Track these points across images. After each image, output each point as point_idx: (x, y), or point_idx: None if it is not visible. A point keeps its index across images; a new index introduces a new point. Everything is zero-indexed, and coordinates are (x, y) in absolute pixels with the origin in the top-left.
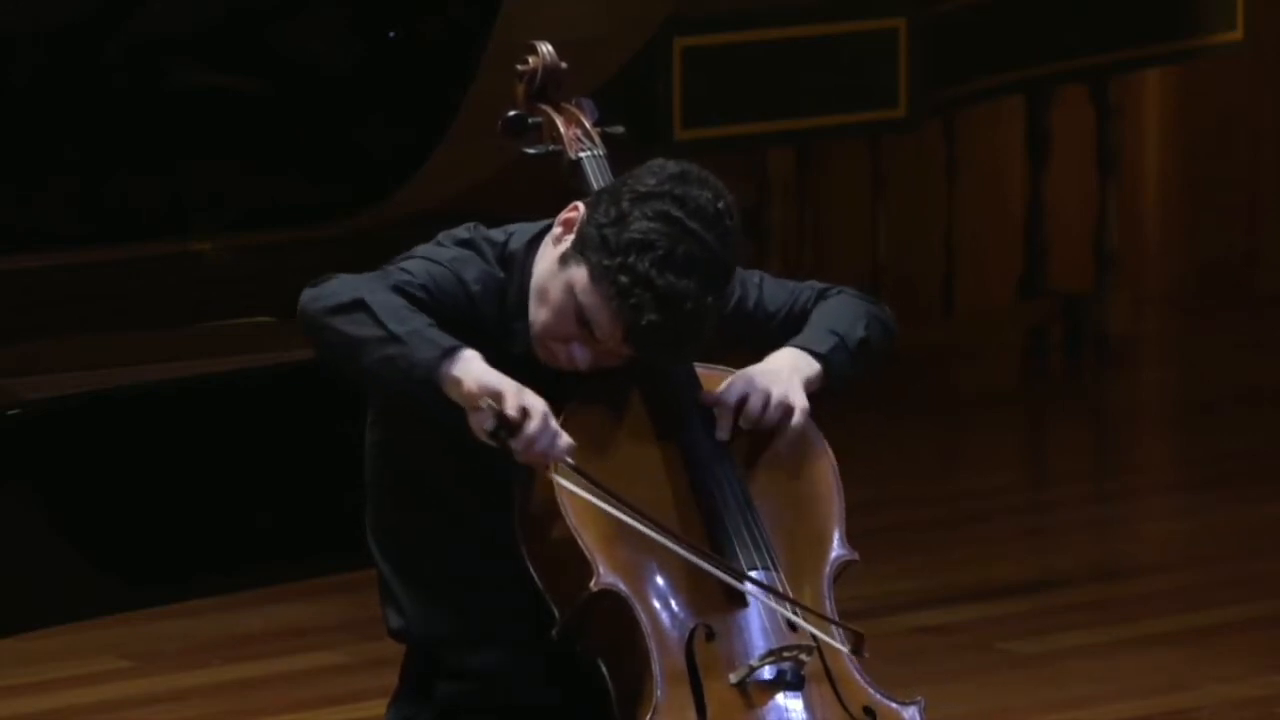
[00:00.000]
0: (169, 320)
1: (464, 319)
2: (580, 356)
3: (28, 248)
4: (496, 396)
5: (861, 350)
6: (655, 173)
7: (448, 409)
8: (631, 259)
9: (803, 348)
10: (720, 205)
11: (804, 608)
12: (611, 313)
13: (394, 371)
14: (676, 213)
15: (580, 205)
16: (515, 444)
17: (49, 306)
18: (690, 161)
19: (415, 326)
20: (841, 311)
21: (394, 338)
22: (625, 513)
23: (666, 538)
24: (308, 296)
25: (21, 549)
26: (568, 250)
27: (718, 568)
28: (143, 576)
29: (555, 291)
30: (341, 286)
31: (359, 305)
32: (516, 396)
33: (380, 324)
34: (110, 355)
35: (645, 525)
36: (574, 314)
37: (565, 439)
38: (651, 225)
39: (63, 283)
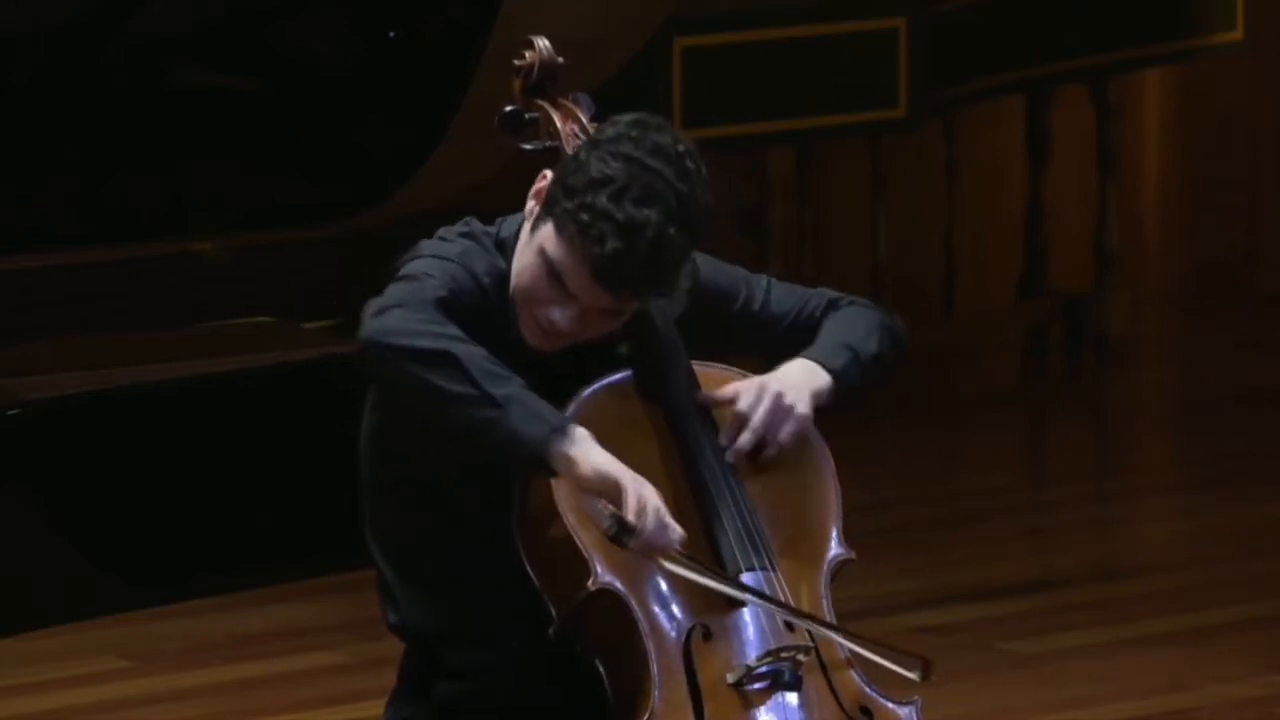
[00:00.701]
0: (169, 320)
1: (478, 312)
2: (560, 318)
3: (28, 248)
4: (614, 492)
5: (874, 364)
6: (613, 124)
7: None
8: (590, 197)
9: (816, 361)
10: (680, 148)
11: (860, 638)
12: (576, 252)
13: (491, 436)
14: (634, 152)
15: (548, 173)
16: (632, 542)
17: (49, 306)
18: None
19: (512, 392)
20: (855, 324)
21: (491, 400)
22: (726, 584)
23: (771, 604)
24: (377, 330)
25: (21, 549)
26: (537, 216)
27: (833, 630)
28: (143, 576)
29: (528, 256)
30: (411, 323)
31: (447, 358)
32: (634, 494)
33: (475, 383)
34: (110, 355)
35: (744, 594)
36: (547, 271)
37: (676, 531)
38: (609, 164)
39: (63, 283)
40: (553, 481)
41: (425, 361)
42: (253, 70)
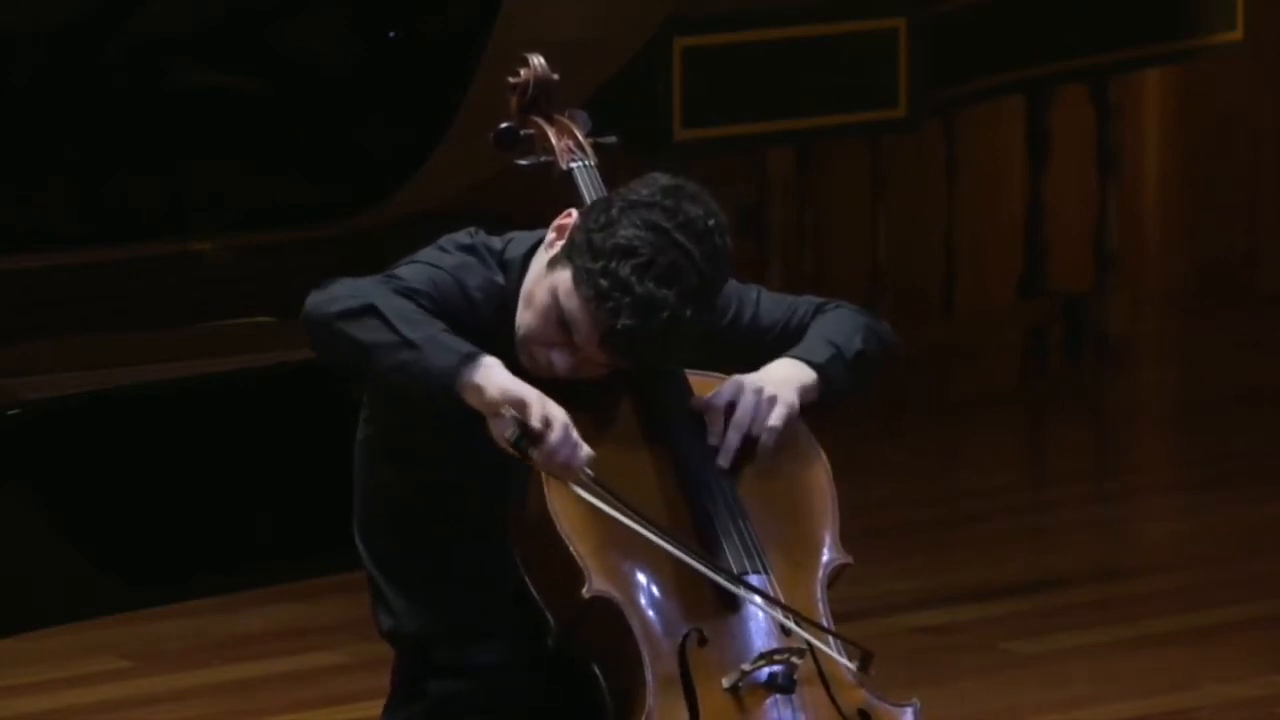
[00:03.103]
0: (169, 320)
1: (465, 325)
2: (560, 362)
3: (28, 248)
4: (520, 405)
5: (858, 362)
6: (649, 184)
7: (463, 414)
8: (614, 264)
9: (799, 358)
10: (711, 223)
11: (804, 618)
12: (589, 315)
13: (409, 377)
14: (665, 223)
15: (574, 212)
16: (537, 454)
17: (49, 306)
18: (687, 177)
19: (430, 332)
20: (839, 324)
21: (408, 343)
22: (638, 522)
23: (681, 549)
24: (314, 301)
25: (21, 549)
26: (556, 255)
27: (735, 584)
28: (143, 576)
29: (540, 295)
30: (348, 290)
31: (370, 310)
32: (540, 405)
33: (393, 329)
34: (110, 355)
35: (658, 536)
36: (555, 317)
37: (585, 450)
38: (638, 233)
39: (63, 283)
40: (546, 490)
41: (348, 317)
42: (253, 70)
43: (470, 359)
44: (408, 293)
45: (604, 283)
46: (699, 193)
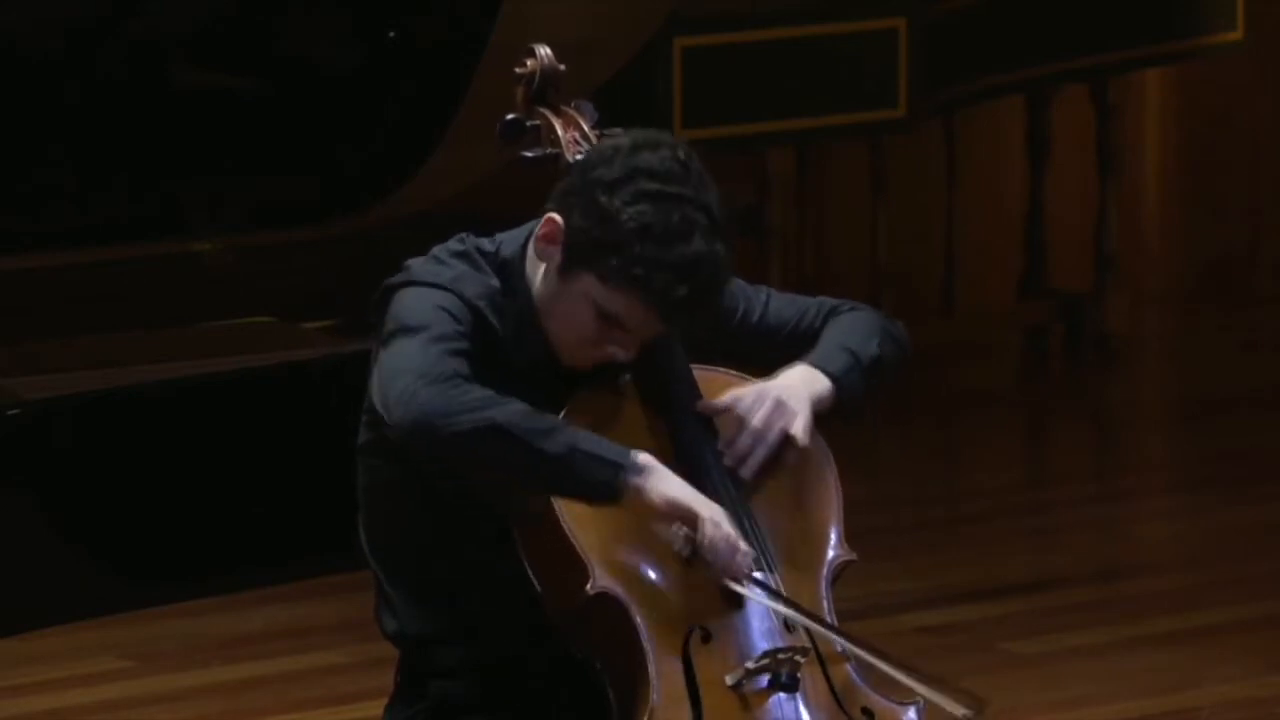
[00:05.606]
0: (169, 320)
1: (475, 338)
2: (622, 351)
3: (28, 248)
4: (689, 519)
5: (875, 368)
6: (605, 161)
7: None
8: (637, 249)
9: (815, 366)
10: (681, 154)
11: (919, 673)
12: (640, 304)
13: (560, 491)
14: (650, 186)
15: (554, 216)
16: (705, 567)
17: (49, 306)
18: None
19: (564, 441)
20: (855, 328)
21: (549, 458)
22: (793, 609)
23: (847, 639)
24: (414, 419)
25: (21, 549)
26: (563, 265)
27: (900, 669)
28: (143, 576)
29: (569, 308)
30: (444, 402)
31: (494, 431)
32: (709, 516)
33: (528, 448)
34: (110, 355)
35: (816, 624)
36: (597, 319)
37: (749, 554)
38: (636, 209)
39: (63, 283)
40: None
41: (472, 439)
42: (253, 70)
43: (627, 468)
44: (451, 349)
45: (639, 270)
46: (657, 138)
